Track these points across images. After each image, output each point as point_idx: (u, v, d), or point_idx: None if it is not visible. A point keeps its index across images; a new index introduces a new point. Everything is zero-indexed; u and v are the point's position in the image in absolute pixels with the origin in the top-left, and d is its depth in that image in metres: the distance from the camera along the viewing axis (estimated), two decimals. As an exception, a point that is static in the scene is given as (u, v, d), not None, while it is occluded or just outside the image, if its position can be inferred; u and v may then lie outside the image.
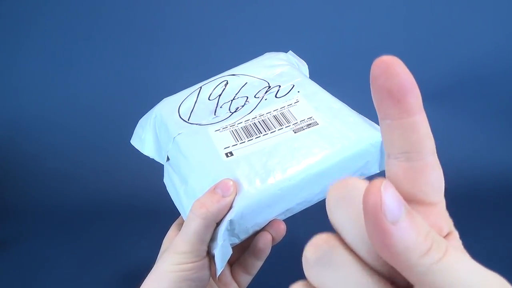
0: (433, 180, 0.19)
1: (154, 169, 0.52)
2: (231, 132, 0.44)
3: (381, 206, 0.15)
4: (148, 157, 0.49)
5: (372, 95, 0.18)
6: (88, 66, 0.95)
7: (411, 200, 0.19)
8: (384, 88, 0.17)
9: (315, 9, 0.92)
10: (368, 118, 0.44)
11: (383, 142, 0.20)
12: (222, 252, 0.38)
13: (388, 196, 0.15)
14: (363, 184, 0.18)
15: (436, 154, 0.19)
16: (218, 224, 0.38)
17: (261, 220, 0.40)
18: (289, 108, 0.45)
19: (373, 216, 0.15)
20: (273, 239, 0.43)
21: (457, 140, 0.82)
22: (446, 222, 0.20)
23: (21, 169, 0.89)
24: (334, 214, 0.19)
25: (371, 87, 0.18)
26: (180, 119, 0.47)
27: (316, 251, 0.19)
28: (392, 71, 0.17)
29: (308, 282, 0.20)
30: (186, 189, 0.42)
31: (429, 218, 0.19)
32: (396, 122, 0.18)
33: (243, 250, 0.46)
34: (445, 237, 0.20)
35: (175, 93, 0.51)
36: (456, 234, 0.20)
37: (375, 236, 0.16)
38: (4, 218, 0.81)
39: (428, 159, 0.19)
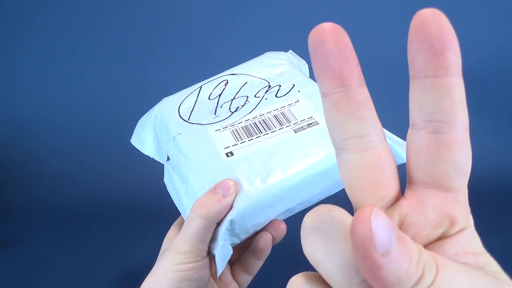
0: (459, 160, 0.17)
1: (154, 169, 0.52)
2: (232, 131, 0.44)
3: (370, 238, 0.14)
4: (148, 156, 0.49)
5: (408, 49, 0.17)
6: (88, 66, 0.95)
7: (428, 182, 0.18)
8: (424, 36, 0.16)
9: (315, 8, 0.92)
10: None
11: (409, 107, 0.18)
12: (223, 252, 0.38)
13: (379, 226, 0.14)
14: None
15: (468, 131, 0.17)
16: (218, 224, 0.38)
17: (261, 220, 0.40)
18: (290, 108, 0.45)
19: (362, 249, 0.14)
20: (273, 239, 0.43)
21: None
22: (463, 215, 0.18)
23: (21, 169, 0.89)
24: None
25: (408, 39, 0.17)
26: (180, 118, 0.47)
27: (315, 218, 0.17)
28: (434, 21, 0.16)
29: (308, 273, 0.18)
30: (186, 189, 0.42)
31: (444, 206, 0.18)
32: (430, 81, 0.17)
33: (243, 250, 0.46)
34: (455, 233, 0.18)
35: (175, 93, 0.51)
36: (469, 232, 0.18)
37: (365, 268, 0.15)
38: (4, 218, 0.81)
39: (458, 133, 0.17)
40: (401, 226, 0.19)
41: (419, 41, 0.16)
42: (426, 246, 0.18)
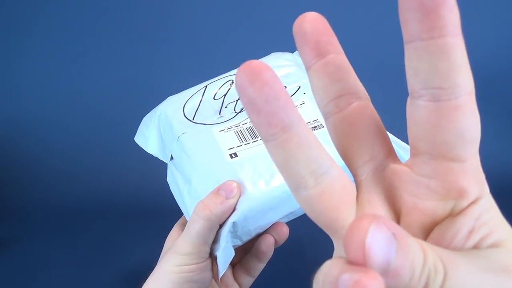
0: (463, 128, 0.16)
1: (157, 168, 0.52)
2: (236, 132, 0.44)
3: (365, 260, 0.13)
4: (150, 156, 0.48)
5: (399, 11, 0.15)
6: (90, 65, 0.95)
7: (432, 153, 0.17)
8: None
9: (321, 9, 0.92)
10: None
11: (406, 75, 0.17)
12: (225, 254, 0.38)
13: (375, 243, 0.13)
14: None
15: (473, 94, 0.16)
16: (221, 225, 0.38)
17: (264, 223, 0.40)
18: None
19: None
20: (275, 241, 0.43)
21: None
22: (476, 185, 0.17)
23: (21, 169, 0.89)
24: None
25: (398, 2, 0.15)
26: (184, 118, 0.47)
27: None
28: None
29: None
30: (189, 189, 0.42)
31: (450, 177, 0.17)
32: (424, 44, 0.15)
33: (245, 252, 0.46)
34: (468, 206, 0.17)
35: (179, 92, 0.51)
36: (484, 202, 0.17)
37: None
38: (5, 218, 0.81)
39: (460, 99, 0.16)
40: (400, 196, 0.18)
41: (409, 1, 0.15)
42: (437, 222, 0.18)
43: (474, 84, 0.16)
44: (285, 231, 0.42)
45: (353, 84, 0.19)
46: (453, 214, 0.17)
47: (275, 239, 0.42)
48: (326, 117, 0.20)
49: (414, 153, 0.18)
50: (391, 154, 0.19)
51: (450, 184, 0.17)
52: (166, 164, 0.47)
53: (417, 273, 0.14)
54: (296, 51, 0.55)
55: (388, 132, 0.45)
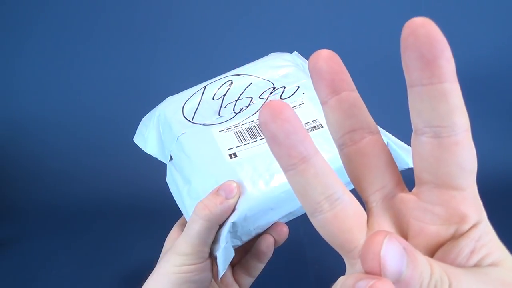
0: (463, 161, 0.18)
1: (155, 169, 0.52)
2: (235, 133, 0.44)
3: (380, 269, 0.15)
4: (149, 156, 0.48)
5: (402, 59, 0.17)
6: (90, 66, 0.95)
7: (436, 182, 0.19)
8: (414, 48, 0.17)
9: (320, 9, 0.92)
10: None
11: (410, 114, 0.19)
12: (225, 254, 0.38)
13: (389, 255, 0.15)
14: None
15: (470, 131, 0.18)
16: (220, 226, 0.38)
17: (264, 223, 0.40)
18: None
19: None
20: (275, 241, 0.43)
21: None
22: (475, 211, 0.19)
23: (21, 169, 0.89)
24: None
25: (401, 49, 0.17)
26: (184, 118, 0.47)
27: None
28: (423, 31, 0.16)
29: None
30: (189, 190, 0.42)
31: (452, 204, 0.19)
32: (425, 89, 0.17)
33: (245, 252, 0.46)
34: (469, 229, 0.19)
35: (179, 92, 0.51)
36: (483, 226, 0.19)
37: None
38: (4, 218, 0.81)
39: (459, 136, 0.18)
40: (407, 221, 0.20)
41: (410, 52, 0.17)
42: (441, 244, 0.19)
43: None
44: (284, 231, 0.42)
45: (365, 119, 0.21)
46: (455, 237, 0.19)
47: (274, 239, 0.42)
48: (340, 148, 0.22)
49: (419, 183, 0.20)
50: (399, 183, 0.21)
51: (453, 210, 0.19)
52: (166, 164, 0.47)
53: (425, 284, 0.16)
54: (295, 52, 0.56)
55: (389, 134, 0.46)
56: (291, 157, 0.18)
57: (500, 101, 0.88)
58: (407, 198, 0.20)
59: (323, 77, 0.20)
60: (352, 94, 0.21)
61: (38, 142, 0.91)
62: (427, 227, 0.20)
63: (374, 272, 0.15)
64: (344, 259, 0.21)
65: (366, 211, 0.21)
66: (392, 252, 0.15)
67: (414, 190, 0.21)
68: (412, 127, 0.19)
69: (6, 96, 0.95)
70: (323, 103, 0.21)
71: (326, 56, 0.20)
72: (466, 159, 0.18)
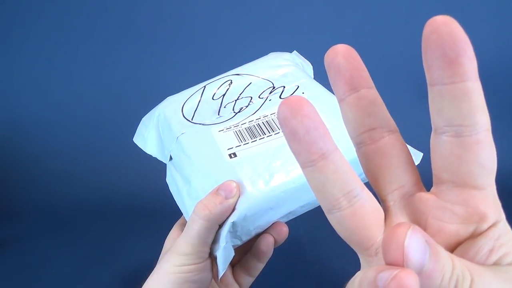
0: (483, 160, 0.18)
1: (155, 169, 0.52)
2: (235, 132, 0.44)
3: (404, 259, 0.15)
4: (149, 156, 0.48)
5: (423, 57, 0.17)
6: (89, 66, 0.95)
7: (455, 181, 0.19)
8: (436, 46, 0.16)
9: (320, 9, 0.92)
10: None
11: (430, 112, 0.19)
12: (225, 254, 0.38)
13: (413, 246, 0.15)
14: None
15: (490, 130, 0.18)
16: (220, 225, 0.38)
17: (263, 223, 0.39)
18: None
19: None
20: (275, 241, 0.43)
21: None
22: (494, 210, 0.19)
23: (21, 169, 0.89)
24: None
25: (422, 48, 0.17)
26: (183, 118, 0.47)
27: None
28: (445, 29, 0.16)
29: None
30: (188, 190, 0.42)
31: (472, 203, 0.19)
32: (447, 88, 0.17)
33: (245, 251, 0.46)
34: (488, 228, 0.19)
35: (178, 92, 0.51)
36: (502, 225, 0.19)
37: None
38: (4, 218, 0.81)
39: (480, 135, 0.18)
40: (425, 220, 0.20)
41: (432, 50, 0.17)
42: (460, 243, 0.19)
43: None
44: (284, 231, 0.42)
45: (385, 117, 0.21)
46: (474, 236, 0.19)
47: (274, 238, 0.42)
48: (358, 146, 0.21)
49: (437, 182, 0.20)
50: (418, 182, 0.21)
51: (473, 209, 0.19)
52: (165, 164, 0.47)
53: (446, 277, 0.16)
54: (295, 51, 0.55)
55: None
56: (310, 153, 0.18)
57: (501, 101, 0.88)
58: (425, 197, 0.20)
59: (341, 74, 0.20)
60: (371, 91, 0.20)
61: (38, 142, 0.91)
62: (446, 226, 0.19)
63: (396, 263, 0.15)
64: (360, 257, 0.21)
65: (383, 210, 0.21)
66: (415, 243, 0.15)
67: (432, 189, 0.20)
68: (432, 126, 0.19)
69: (6, 96, 0.95)
70: (340, 100, 0.21)
71: (344, 51, 0.20)
72: (487, 158, 0.18)
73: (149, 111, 0.51)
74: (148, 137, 0.48)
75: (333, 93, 0.47)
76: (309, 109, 0.17)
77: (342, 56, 0.19)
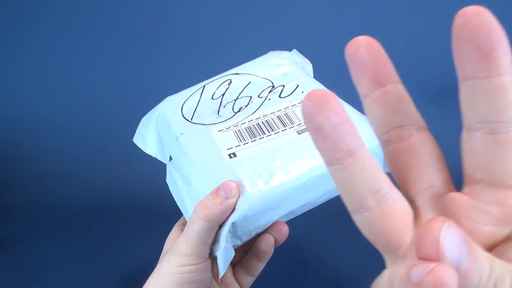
0: None
1: (155, 169, 0.52)
2: (234, 132, 0.44)
3: (438, 254, 0.14)
4: (149, 156, 0.48)
5: (454, 50, 0.16)
6: (89, 65, 0.95)
7: (489, 181, 0.18)
8: (469, 39, 0.16)
9: (319, 7, 0.92)
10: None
11: (462, 109, 0.18)
12: (225, 254, 0.38)
13: (449, 241, 0.14)
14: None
15: None
16: (220, 226, 0.38)
17: (263, 222, 0.39)
18: (293, 109, 0.45)
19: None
20: (275, 241, 0.43)
21: (459, 139, 0.82)
22: None
23: (21, 169, 0.89)
24: None
25: (453, 40, 0.16)
26: (183, 118, 0.47)
27: None
28: (479, 21, 0.15)
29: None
30: (188, 190, 0.42)
31: (508, 203, 0.18)
32: (481, 82, 0.16)
33: (245, 251, 0.45)
34: None
35: (178, 92, 0.51)
36: None
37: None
38: (4, 218, 0.81)
39: None
40: (457, 221, 0.19)
41: (465, 43, 0.16)
42: (495, 246, 0.18)
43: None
44: (285, 231, 0.42)
45: (413, 114, 0.20)
46: (510, 238, 0.18)
47: (275, 238, 0.42)
48: (384, 144, 0.20)
49: (470, 182, 0.19)
50: (448, 182, 0.20)
51: (509, 210, 0.18)
52: (165, 164, 0.47)
53: (485, 276, 0.15)
54: (294, 50, 0.55)
55: None
56: (337, 150, 0.17)
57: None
58: (457, 197, 0.19)
59: (365, 68, 0.19)
60: (397, 86, 0.19)
61: (38, 142, 0.91)
62: (480, 227, 0.18)
63: (431, 258, 0.14)
64: (386, 259, 0.20)
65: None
66: (451, 238, 0.14)
67: (464, 189, 0.19)
68: (464, 123, 0.18)
69: (6, 96, 0.95)
70: (363, 96, 0.20)
71: (367, 43, 0.18)
72: None
73: (148, 111, 0.51)
74: (148, 137, 0.48)
75: (332, 91, 0.47)
76: (335, 104, 0.16)
77: (365, 48, 0.18)
